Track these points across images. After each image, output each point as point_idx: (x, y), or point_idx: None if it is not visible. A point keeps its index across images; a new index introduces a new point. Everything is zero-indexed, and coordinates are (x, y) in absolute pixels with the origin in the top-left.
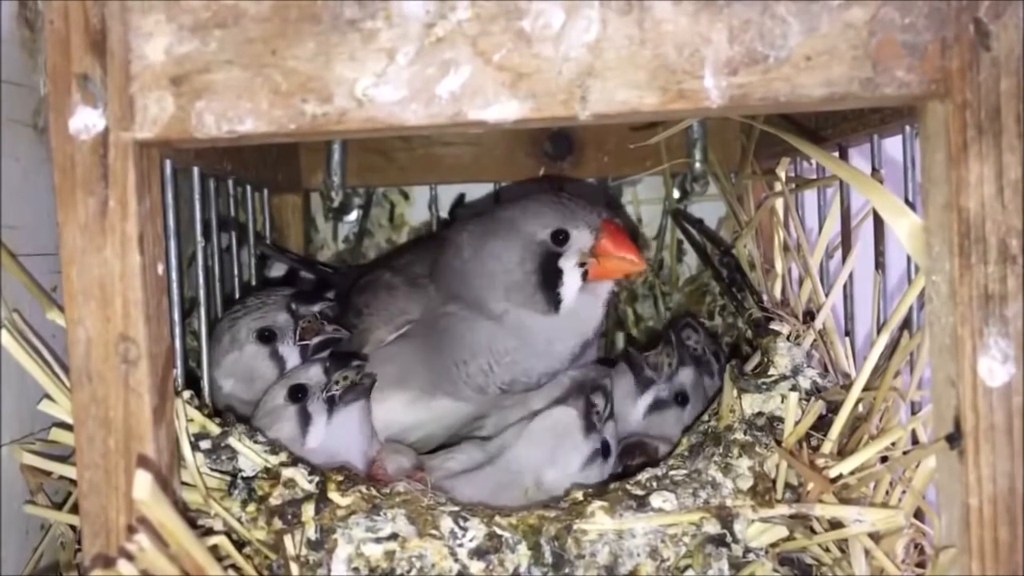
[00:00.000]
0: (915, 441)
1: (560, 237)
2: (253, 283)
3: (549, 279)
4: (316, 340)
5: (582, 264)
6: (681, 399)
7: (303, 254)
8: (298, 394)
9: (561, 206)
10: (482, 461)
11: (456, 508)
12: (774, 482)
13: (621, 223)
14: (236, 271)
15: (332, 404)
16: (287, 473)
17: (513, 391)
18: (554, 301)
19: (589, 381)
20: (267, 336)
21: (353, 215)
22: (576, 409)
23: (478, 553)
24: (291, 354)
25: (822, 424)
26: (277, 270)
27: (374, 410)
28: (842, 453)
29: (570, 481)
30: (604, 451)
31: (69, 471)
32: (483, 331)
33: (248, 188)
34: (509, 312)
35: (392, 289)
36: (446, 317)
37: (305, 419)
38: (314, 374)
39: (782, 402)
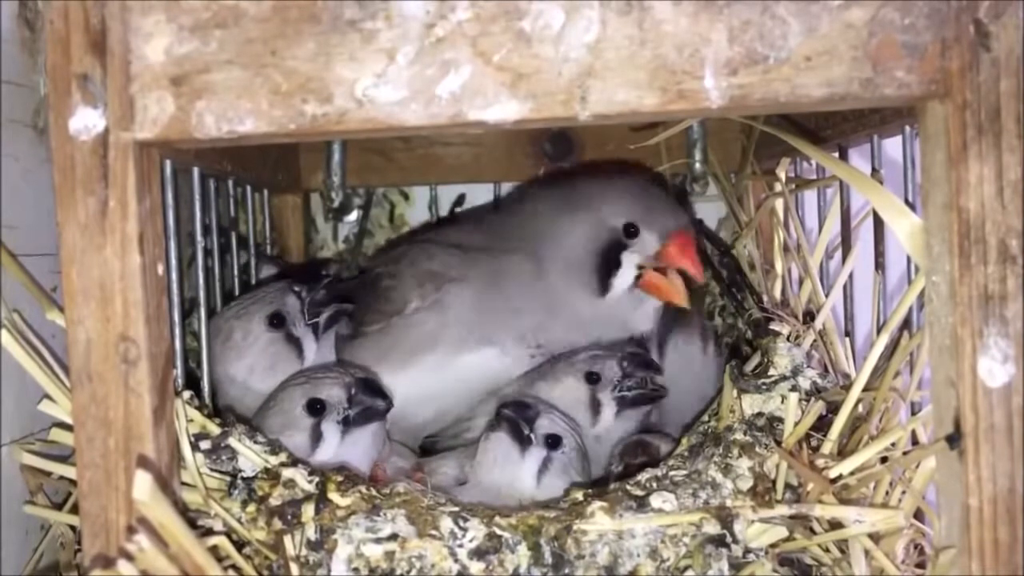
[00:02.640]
0: (915, 441)
1: (631, 230)
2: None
3: (606, 266)
4: (325, 315)
5: (640, 267)
6: (553, 442)
7: (303, 255)
8: (316, 406)
9: (644, 199)
10: (463, 479)
11: (456, 508)
12: (774, 482)
13: (693, 237)
14: (235, 272)
15: (347, 424)
16: (287, 473)
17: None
18: (604, 287)
19: (501, 397)
20: (278, 320)
21: (353, 215)
22: (504, 431)
23: (478, 553)
24: (305, 335)
25: (822, 424)
26: (267, 271)
27: (393, 382)
28: (842, 453)
29: (536, 494)
30: (552, 444)
31: (69, 471)
32: (537, 291)
33: (248, 188)
34: (560, 286)
35: (431, 256)
36: (509, 267)
37: (317, 436)
38: (336, 395)
39: (782, 402)
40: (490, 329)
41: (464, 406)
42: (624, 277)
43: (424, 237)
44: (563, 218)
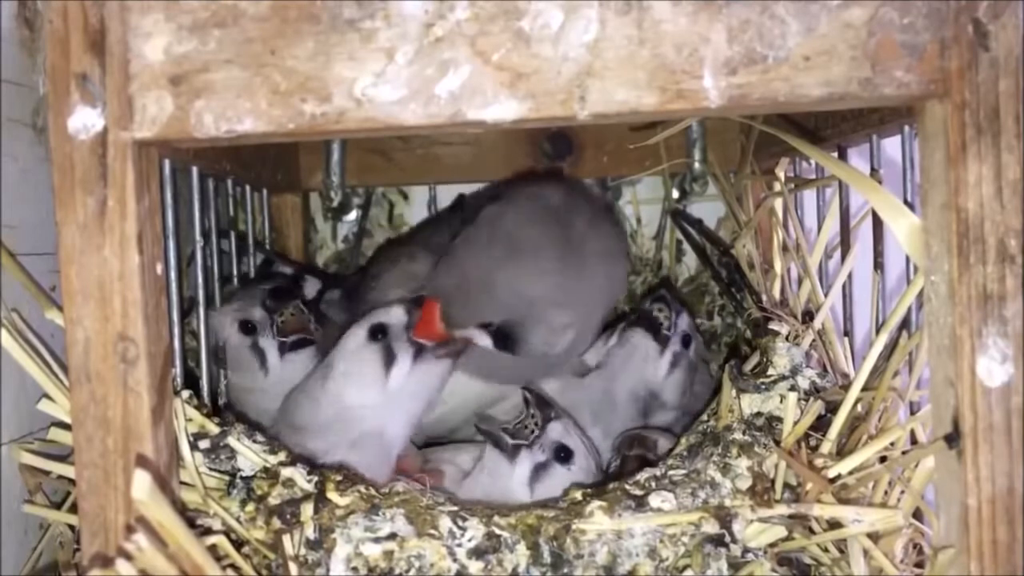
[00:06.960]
0: (914, 441)
1: None
2: None
3: None
4: (292, 338)
5: None
6: (686, 341)
7: (303, 255)
8: (378, 334)
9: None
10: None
11: (455, 508)
12: (773, 482)
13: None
14: (235, 274)
15: (419, 351)
16: (286, 473)
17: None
18: None
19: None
20: (249, 328)
21: (352, 215)
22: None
23: (477, 553)
24: (270, 347)
25: (821, 424)
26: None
27: None
28: (841, 453)
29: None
30: (563, 458)
31: (68, 471)
32: None
33: (247, 188)
34: None
35: (412, 258)
36: None
37: (390, 358)
38: (395, 314)
39: (781, 402)
40: None
41: (472, 408)
42: None
43: (414, 239)
44: None
